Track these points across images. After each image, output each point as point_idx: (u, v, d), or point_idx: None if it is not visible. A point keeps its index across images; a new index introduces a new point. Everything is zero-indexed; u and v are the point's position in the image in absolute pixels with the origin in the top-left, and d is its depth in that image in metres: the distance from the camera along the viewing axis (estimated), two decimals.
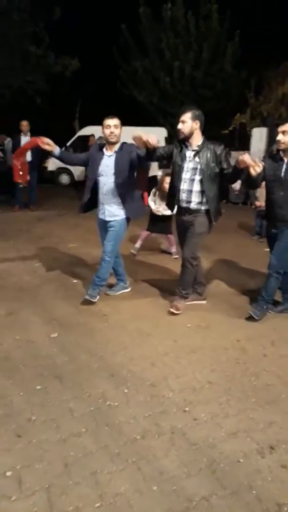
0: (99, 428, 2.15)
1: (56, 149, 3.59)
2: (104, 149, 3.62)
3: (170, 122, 15.94)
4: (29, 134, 8.65)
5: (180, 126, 3.41)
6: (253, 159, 3.12)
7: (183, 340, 3.13)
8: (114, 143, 3.55)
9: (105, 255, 3.69)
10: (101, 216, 3.74)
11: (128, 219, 3.69)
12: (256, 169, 3.10)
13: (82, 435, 2.09)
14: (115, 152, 3.56)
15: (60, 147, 3.51)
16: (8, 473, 1.84)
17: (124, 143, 3.59)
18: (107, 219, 3.68)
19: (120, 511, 1.67)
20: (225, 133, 14.02)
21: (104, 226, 3.76)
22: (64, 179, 14.41)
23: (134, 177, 3.68)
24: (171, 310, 3.59)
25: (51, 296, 3.96)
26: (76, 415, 2.25)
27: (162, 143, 12.76)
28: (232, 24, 14.34)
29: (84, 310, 3.68)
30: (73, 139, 14.34)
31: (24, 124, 8.56)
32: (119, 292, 4.05)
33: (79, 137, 14.19)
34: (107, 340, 3.11)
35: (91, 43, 17.22)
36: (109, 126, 3.48)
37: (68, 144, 14.00)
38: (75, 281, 4.42)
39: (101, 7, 17.57)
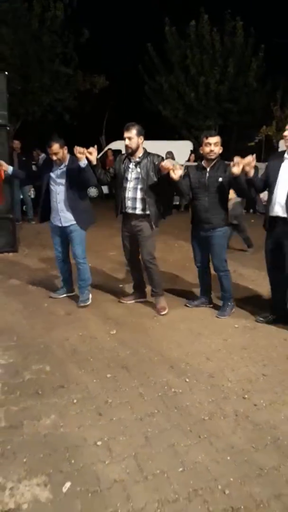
0: (169, 410, 2.42)
1: (9, 169, 4.06)
2: (54, 162, 3.87)
3: (194, 135, 16.34)
4: None
5: (127, 142, 3.67)
6: (172, 164, 3.50)
7: (232, 339, 3.37)
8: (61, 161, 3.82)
9: (77, 259, 4.04)
10: (56, 223, 3.98)
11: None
12: (176, 172, 3.43)
13: (155, 415, 2.37)
14: (66, 165, 3.84)
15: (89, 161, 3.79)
16: (99, 443, 2.12)
17: (74, 157, 3.81)
18: (64, 224, 3.94)
19: (201, 475, 1.92)
20: (251, 145, 14.28)
21: (59, 232, 4.02)
22: (93, 192, 14.92)
23: (84, 188, 3.93)
24: (161, 313, 3.87)
25: (103, 299, 4.27)
26: (147, 399, 2.53)
27: (187, 156, 13.19)
28: (257, 39, 14.71)
29: (135, 310, 3.98)
30: (102, 152, 14.87)
31: None
32: (62, 296, 4.29)
33: (108, 150, 14.72)
34: (161, 338, 3.39)
35: (117, 61, 17.88)
36: (51, 154, 3.76)
37: (97, 157, 14.51)
38: (121, 285, 4.74)
39: (127, 27, 18.28)
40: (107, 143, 17.13)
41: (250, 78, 15.11)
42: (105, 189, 14.30)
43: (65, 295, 4.32)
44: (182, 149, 13.47)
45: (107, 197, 13.67)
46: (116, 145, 14.79)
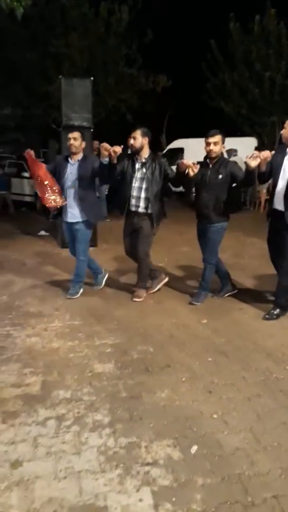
0: (274, 393, 2.57)
1: None
2: (68, 158, 4.13)
3: (257, 131, 16.09)
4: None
5: (132, 141, 3.92)
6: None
7: None
8: (74, 154, 4.08)
9: (78, 255, 4.23)
10: (66, 219, 4.19)
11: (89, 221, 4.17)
12: (194, 169, 3.69)
13: (262, 396, 2.53)
14: (78, 160, 4.06)
15: None
16: (214, 416, 2.34)
17: (87, 155, 4.01)
18: (71, 220, 4.14)
19: None
20: None
21: (69, 228, 4.23)
22: None
23: (94, 184, 4.12)
24: (135, 299, 4.14)
25: (188, 289, 4.49)
26: (250, 382, 2.70)
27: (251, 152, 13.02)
28: None
29: (220, 302, 4.16)
30: (164, 152, 15.12)
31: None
32: (103, 283, 4.50)
33: (170, 150, 14.94)
34: (253, 329, 3.54)
35: (180, 60, 18.05)
36: (68, 139, 4.04)
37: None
38: (200, 280, 4.92)
39: (190, 25, 18.38)
40: (168, 142, 17.38)
41: None
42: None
43: (104, 279, 4.56)
44: (246, 145, 13.32)
45: (167, 195, 13.84)
46: (177, 144, 15.00)
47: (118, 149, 3.69)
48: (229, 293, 4.31)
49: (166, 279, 4.50)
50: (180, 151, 14.38)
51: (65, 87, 5.94)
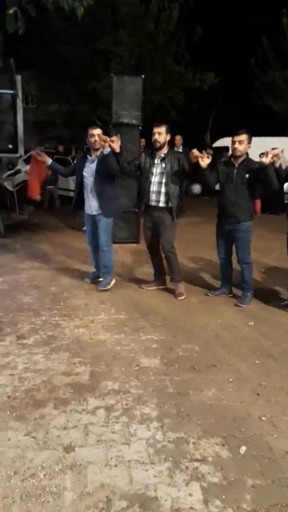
0: None
1: (48, 161, 4.42)
2: (87, 155, 4.26)
3: None
4: (181, 147, 9.41)
5: (156, 137, 3.96)
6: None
7: None
8: (96, 150, 4.14)
9: (103, 246, 4.32)
10: (88, 212, 4.31)
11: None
12: (204, 160, 3.70)
13: None
14: (97, 157, 4.14)
15: None
16: (263, 418, 2.32)
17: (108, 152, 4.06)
18: (94, 213, 4.24)
19: None
20: None
21: (90, 220, 4.35)
22: (196, 188, 15.17)
23: (112, 179, 4.18)
24: (179, 298, 4.18)
25: (232, 290, 4.44)
26: None
27: None
28: None
29: (267, 306, 4.08)
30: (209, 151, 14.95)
31: (178, 138, 9.34)
32: (111, 285, 4.44)
33: (214, 148, 14.74)
34: None
35: (228, 57, 17.72)
36: (93, 135, 4.09)
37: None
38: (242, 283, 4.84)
39: (240, 21, 18.02)
40: (212, 141, 17.17)
41: None
42: (196, 188, 14.76)
43: (97, 279, 4.60)
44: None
45: (210, 195, 13.70)
46: (222, 142, 14.77)
47: (115, 138, 3.86)
48: (225, 295, 4.30)
49: (160, 287, 4.47)
50: (224, 149, 14.14)
51: (116, 85, 6.03)
